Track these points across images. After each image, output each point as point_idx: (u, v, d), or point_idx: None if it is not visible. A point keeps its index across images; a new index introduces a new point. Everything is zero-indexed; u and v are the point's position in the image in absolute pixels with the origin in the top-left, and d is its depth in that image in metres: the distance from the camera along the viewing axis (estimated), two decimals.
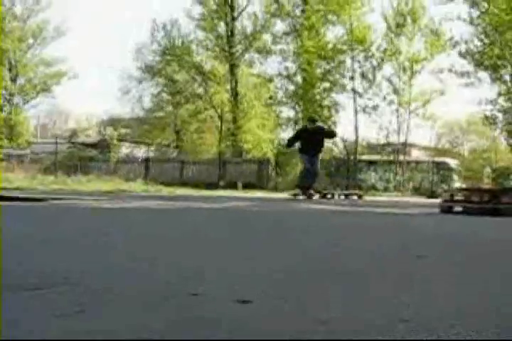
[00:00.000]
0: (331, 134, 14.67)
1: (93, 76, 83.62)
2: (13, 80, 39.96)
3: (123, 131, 31.35)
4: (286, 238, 4.15)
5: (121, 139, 29.50)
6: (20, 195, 8.23)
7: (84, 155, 26.72)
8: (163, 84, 34.30)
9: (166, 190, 16.09)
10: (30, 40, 40.60)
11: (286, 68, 33.36)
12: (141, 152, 30.89)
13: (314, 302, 1.85)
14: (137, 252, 3.07)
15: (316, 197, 13.63)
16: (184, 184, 22.13)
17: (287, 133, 33.54)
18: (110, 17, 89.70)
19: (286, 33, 33.17)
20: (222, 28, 33.15)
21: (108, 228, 4.55)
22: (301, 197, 13.13)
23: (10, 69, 39.73)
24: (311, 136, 13.37)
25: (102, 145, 28.44)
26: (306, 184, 13.38)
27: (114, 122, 33.22)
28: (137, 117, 34.32)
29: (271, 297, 1.92)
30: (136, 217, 6.20)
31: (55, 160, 24.63)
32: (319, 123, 14.83)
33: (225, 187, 21.81)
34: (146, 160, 27.69)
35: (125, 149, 30.28)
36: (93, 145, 29.51)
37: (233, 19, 32.94)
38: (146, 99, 34.78)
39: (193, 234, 4.29)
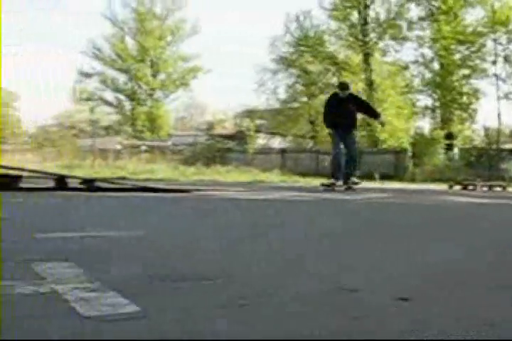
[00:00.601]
0: (374, 112, 11.46)
1: (228, 70, 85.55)
2: (154, 76, 41.84)
3: (258, 122, 31.87)
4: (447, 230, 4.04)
5: (257, 130, 30.00)
6: (165, 187, 8.59)
7: (222, 146, 27.45)
8: (297, 76, 34.46)
9: (302, 181, 16.16)
10: (169, 38, 42.31)
11: (423, 55, 32.41)
12: (276, 143, 31.28)
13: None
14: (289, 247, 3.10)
15: (359, 185, 11.02)
16: (320, 174, 22.10)
17: (424, 122, 32.60)
18: (243, 11, 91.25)
19: (422, 18, 32.17)
20: (355, 16, 32.74)
21: (262, 221, 4.64)
22: (340, 188, 10.65)
23: (151, 66, 41.63)
24: (343, 105, 10.63)
25: (239, 137, 29.07)
26: (341, 173, 10.71)
27: (249, 114, 33.82)
28: (272, 108, 34.74)
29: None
30: (285, 209, 6.27)
31: (195, 151, 25.51)
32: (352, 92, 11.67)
33: (361, 178, 21.52)
34: (282, 150, 27.98)
35: (261, 140, 30.78)
36: (230, 137, 30.24)
37: (366, 7, 32.42)
38: (281, 91, 35.13)
39: (346, 227, 4.28)
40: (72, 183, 7.73)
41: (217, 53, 76.25)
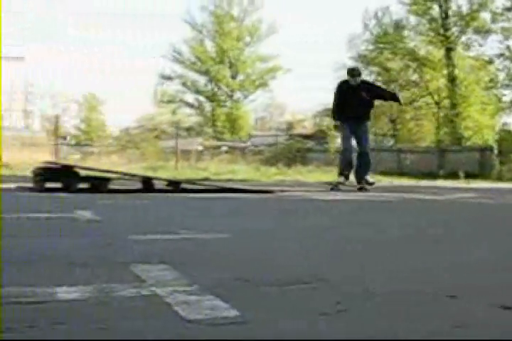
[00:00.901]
0: (392, 95, 10.04)
1: (306, 69, 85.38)
2: (233, 77, 42.27)
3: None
4: None
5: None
6: (249, 187, 8.65)
7: (302, 146, 27.40)
8: (377, 73, 34.01)
9: (384, 180, 15.89)
10: (247, 39, 42.70)
11: (509, 48, 31.26)
12: None
13: None
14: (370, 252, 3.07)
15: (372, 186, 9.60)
16: (402, 174, 21.78)
17: (511, 118, 31.52)
18: (320, 9, 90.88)
19: (508, 9, 31.03)
20: (435, 10, 31.99)
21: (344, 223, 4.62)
22: (350, 187, 9.55)
23: (230, 67, 42.11)
24: (355, 94, 9.26)
25: (319, 136, 28.95)
26: (351, 171, 9.57)
27: (329, 113, 33.67)
28: None
29: None
30: (368, 209, 6.22)
31: (276, 151, 25.58)
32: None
33: (445, 177, 21.03)
34: None
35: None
36: (309, 137, 30.17)
37: (447, 0, 31.59)
38: None
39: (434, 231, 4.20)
40: (159, 185, 7.93)
41: (296, 52, 76.33)
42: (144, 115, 45.61)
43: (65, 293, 1.83)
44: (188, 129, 42.11)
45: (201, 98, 43.06)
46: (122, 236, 3.31)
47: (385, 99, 10.70)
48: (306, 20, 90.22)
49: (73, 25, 77.73)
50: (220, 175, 15.03)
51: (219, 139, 36.61)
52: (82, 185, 7.64)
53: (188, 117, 44.24)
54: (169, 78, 42.84)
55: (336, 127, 9.86)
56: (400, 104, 10.92)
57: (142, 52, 79.99)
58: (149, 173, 11.94)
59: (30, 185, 8.21)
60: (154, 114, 44.75)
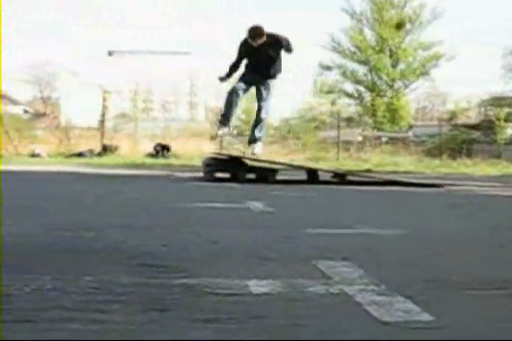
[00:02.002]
0: (290, 48, 7.75)
1: (471, 56, 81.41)
2: (394, 66, 41.45)
3: (506, 110, 29.88)
4: None
5: (506, 119, 28.13)
6: (416, 181, 8.41)
7: (467, 137, 26.16)
8: None
9: None
10: (408, 26, 41.64)
11: None
12: None
13: None
14: None
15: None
16: None
17: None
18: None
19: None
20: None
21: None
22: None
23: (390, 56, 41.31)
24: (259, 53, 7.79)
25: (484, 127, 27.48)
26: (229, 120, 8.15)
27: (496, 101, 31.85)
28: None
29: None
30: None
31: (440, 142, 24.65)
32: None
33: None
34: None
35: (510, 130, 28.82)
36: (474, 127, 28.75)
37: None
38: None
39: None
40: (323, 176, 7.96)
41: (462, 37, 72.92)
42: (304, 105, 45.97)
43: (256, 286, 1.90)
44: (348, 119, 41.88)
45: (361, 88, 42.61)
46: (297, 229, 3.36)
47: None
48: (470, 3, 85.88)
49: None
50: (382, 167, 14.75)
51: (379, 129, 36.01)
52: (249, 176, 7.85)
53: (348, 107, 43.99)
54: (328, 68, 42.78)
55: (222, 79, 8.26)
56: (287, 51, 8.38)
57: (302, 44, 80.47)
58: (310, 164, 12.05)
59: (200, 174, 8.61)
60: (314, 104, 44.97)
